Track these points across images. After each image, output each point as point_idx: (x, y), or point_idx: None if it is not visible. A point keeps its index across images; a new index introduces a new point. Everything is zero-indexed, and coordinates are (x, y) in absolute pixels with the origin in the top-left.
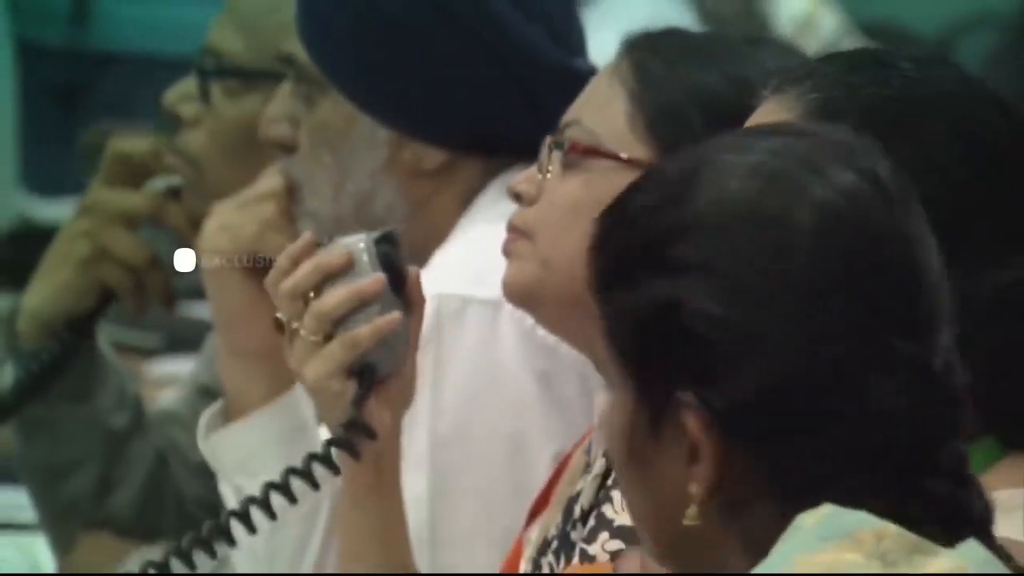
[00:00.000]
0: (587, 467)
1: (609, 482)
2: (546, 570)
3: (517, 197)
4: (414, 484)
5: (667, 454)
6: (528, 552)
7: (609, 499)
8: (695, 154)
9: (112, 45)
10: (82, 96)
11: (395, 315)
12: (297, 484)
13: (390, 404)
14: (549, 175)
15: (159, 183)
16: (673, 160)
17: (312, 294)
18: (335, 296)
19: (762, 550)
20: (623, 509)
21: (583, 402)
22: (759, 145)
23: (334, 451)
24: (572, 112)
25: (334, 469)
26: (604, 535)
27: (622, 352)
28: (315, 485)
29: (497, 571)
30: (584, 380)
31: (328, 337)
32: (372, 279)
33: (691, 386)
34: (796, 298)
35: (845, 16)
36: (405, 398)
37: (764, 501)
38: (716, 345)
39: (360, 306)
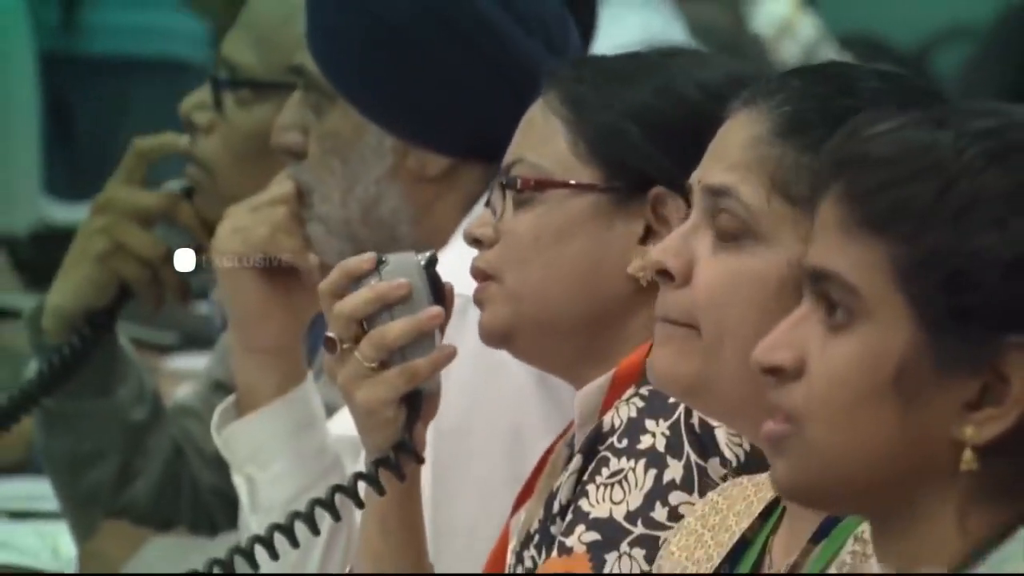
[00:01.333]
0: (569, 460)
1: (585, 477)
2: (528, 563)
3: (476, 243)
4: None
5: (945, 394)
6: (512, 543)
7: (585, 493)
8: (989, 113)
9: (101, 50)
10: (76, 100)
11: (451, 347)
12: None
13: (426, 420)
14: (503, 216)
15: (174, 183)
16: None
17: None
18: (396, 328)
19: (976, 508)
20: (599, 502)
21: None
22: None
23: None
24: (513, 153)
25: (379, 489)
26: (581, 527)
27: (923, 289)
28: (360, 504)
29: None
30: None
31: (383, 364)
32: (432, 313)
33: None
34: None
35: (824, 25)
36: (435, 411)
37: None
38: None
39: (418, 336)
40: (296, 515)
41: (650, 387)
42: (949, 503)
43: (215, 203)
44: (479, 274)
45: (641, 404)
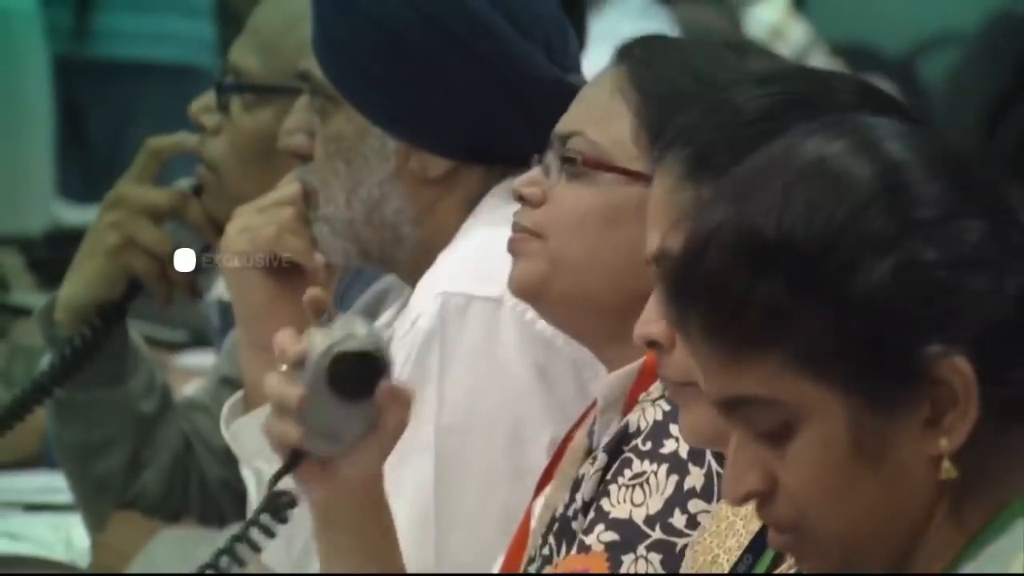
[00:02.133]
0: (590, 450)
1: (608, 476)
2: (551, 548)
3: (521, 199)
4: (421, 469)
5: (903, 429)
6: (535, 525)
7: (607, 493)
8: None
9: (113, 55)
10: (88, 104)
11: (291, 433)
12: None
13: (333, 475)
14: (554, 181)
15: (184, 182)
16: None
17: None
18: (273, 387)
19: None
20: (619, 502)
21: (577, 392)
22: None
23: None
24: (572, 123)
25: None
26: (600, 527)
27: (832, 367)
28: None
29: (501, 548)
30: (578, 371)
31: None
32: (298, 396)
33: (937, 337)
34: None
35: (814, 31)
36: (378, 455)
37: (995, 427)
38: (950, 285)
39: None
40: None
41: None
42: (944, 512)
43: (222, 203)
44: (523, 231)
45: (667, 408)
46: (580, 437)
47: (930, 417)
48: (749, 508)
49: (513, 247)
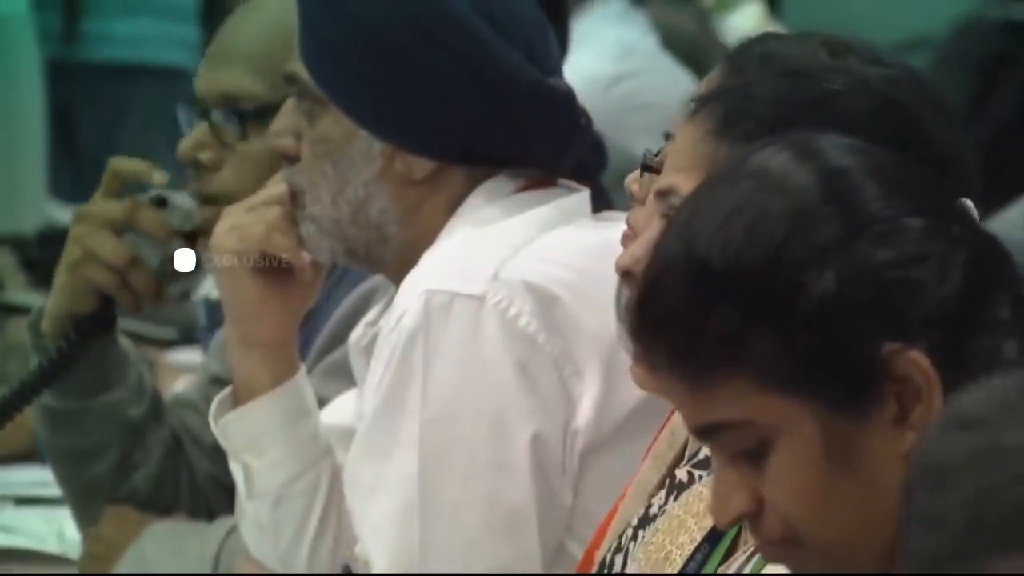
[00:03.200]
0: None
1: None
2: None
3: (632, 194)
4: (406, 464)
5: (873, 430)
6: (628, 499)
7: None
8: (754, 166)
9: (102, 57)
10: (78, 106)
11: None
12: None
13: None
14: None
15: (144, 195)
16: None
17: None
18: None
19: None
20: None
21: (558, 387)
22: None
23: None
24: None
25: None
26: None
27: (794, 379)
28: None
29: (491, 538)
30: (559, 369)
31: None
32: None
33: (891, 335)
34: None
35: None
36: None
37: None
38: (898, 283)
39: None
40: None
41: None
42: None
43: None
44: (631, 227)
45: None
46: (680, 420)
47: (898, 415)
48: (700, 507)
49: (623, 243)
